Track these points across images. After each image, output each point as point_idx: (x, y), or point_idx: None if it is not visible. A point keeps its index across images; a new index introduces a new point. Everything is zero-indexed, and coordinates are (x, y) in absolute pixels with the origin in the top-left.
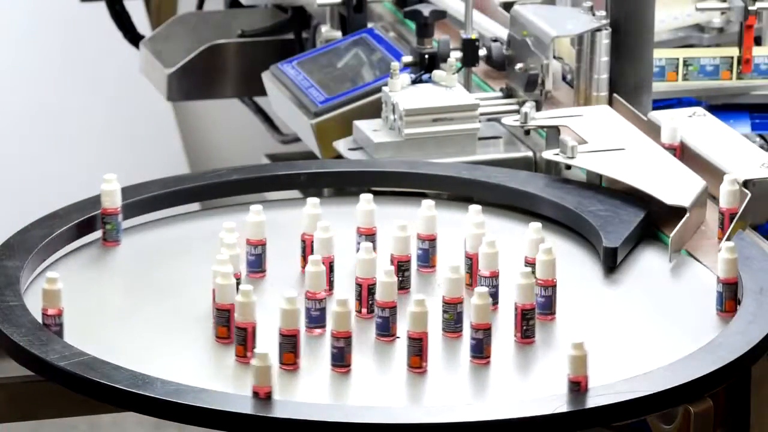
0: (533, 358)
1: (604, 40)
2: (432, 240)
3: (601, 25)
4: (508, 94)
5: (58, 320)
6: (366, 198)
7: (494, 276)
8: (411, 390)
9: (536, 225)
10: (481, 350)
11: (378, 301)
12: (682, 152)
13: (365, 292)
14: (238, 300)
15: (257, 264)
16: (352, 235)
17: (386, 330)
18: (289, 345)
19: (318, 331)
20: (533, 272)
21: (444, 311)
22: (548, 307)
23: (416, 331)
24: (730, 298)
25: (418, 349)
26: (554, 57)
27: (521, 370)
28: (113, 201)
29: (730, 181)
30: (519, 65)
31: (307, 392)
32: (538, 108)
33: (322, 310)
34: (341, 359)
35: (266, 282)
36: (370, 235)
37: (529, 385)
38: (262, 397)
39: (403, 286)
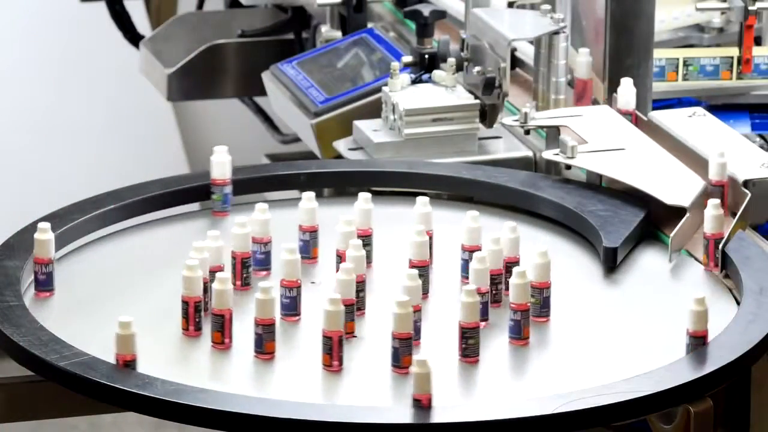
0: (468, 374)
1: (561, 43)
2: (476, 251)
3: (559, 28)
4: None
5: (45, 269)
6: (365, 196)
7: (481, 293)
8: (324, 386)
9: (474, 212)
10: (398, 360)
11: (283, 280)
12: (732, 190)
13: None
14: (183, 274)
15: (306, 250)
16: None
17: (293, 309)
18: (218, 324)
19: (291, 318)
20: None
21: None
22: (517, 332)
23: (329, 329)
24: (694, 349)
25: (329, 347)
26: None
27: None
28: (223, 172)
29: (715, 205)
30: (477, 68)
31: (229, 376)
32: (497, 112)
33: (293, 299)
34: (260, 346)
35: (315, 268)
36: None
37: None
38: (121, 366)
39: None
